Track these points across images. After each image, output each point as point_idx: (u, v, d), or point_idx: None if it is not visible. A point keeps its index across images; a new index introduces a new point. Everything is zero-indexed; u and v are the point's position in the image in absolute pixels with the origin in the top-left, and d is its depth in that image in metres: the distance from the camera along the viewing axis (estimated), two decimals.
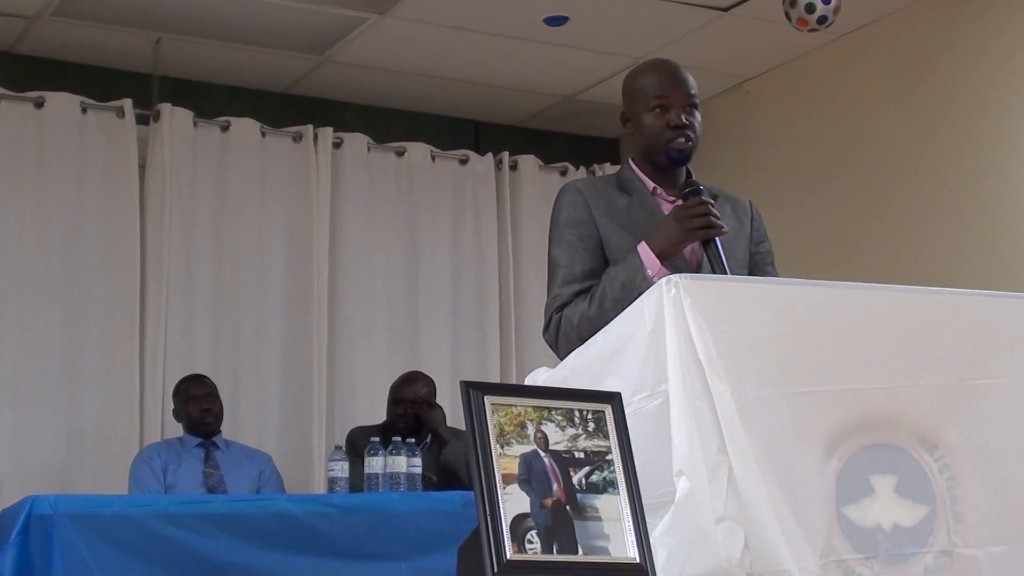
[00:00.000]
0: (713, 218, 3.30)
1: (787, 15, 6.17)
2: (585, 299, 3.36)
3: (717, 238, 3.31)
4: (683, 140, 3.46)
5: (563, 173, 8.38)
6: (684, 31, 7.13)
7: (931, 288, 3.05)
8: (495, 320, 8.03)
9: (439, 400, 6.87)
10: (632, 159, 3.61)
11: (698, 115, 3.50)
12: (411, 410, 6.68)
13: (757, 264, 3.60)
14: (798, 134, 7.55)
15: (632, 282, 3.23)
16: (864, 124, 7.13)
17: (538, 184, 8.31)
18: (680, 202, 3.46)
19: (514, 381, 7.36)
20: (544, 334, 3.48)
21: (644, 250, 3.32)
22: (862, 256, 6.95)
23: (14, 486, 6.48)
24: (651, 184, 3.53)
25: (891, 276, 5.92)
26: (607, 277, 3.35)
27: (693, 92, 3.50)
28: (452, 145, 8.25)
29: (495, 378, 7.73)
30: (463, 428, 6.64)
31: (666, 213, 3.47)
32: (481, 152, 8.28)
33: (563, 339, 3.38)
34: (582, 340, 3.14)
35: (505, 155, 8.31)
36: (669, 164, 3.51)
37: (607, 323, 3.08)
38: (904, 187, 6.87)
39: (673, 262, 3.29)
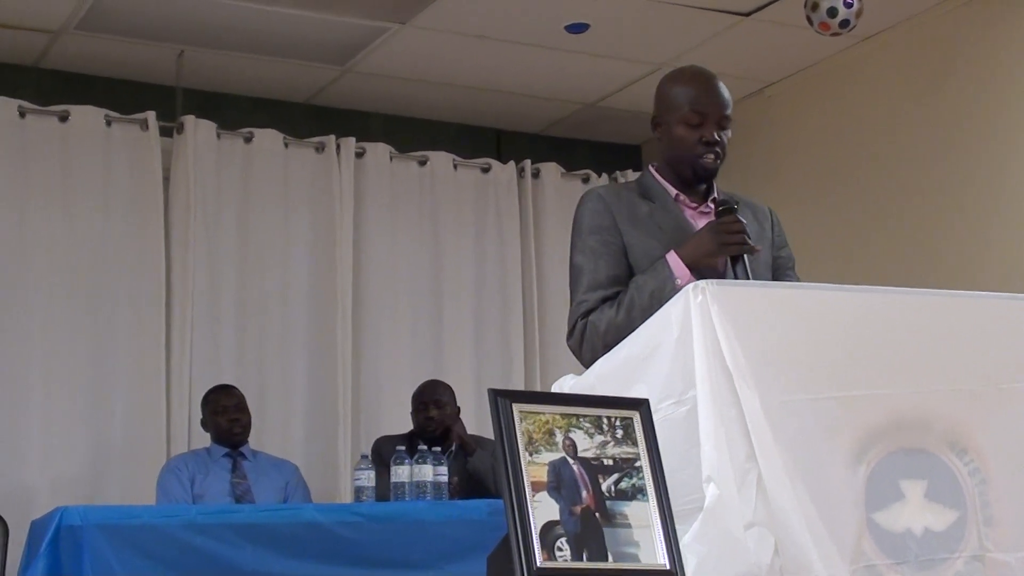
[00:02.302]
0: (747, 236, 3.32)
1: (809, 19, 6.16)
2: (612, 306, 3.36)
3: (746, 257, 3.32)
4: (712, 157, 3.47)
5: (585, 180, 8.38)
6: (706, 36, 7.12)
7: (960, 292, 3.05)
8: (519, 328, 8.03)
9: (463, 408, 6.87)
10: (654, 166, 3.61)
11: (729, 132, 3.51)
12: (435, 425, 6.66)
13: (779, 268, 3.61)
14: (820, 138, 7.53)
15: (661, 291, 3.22)
16: (886, 127, 7.12)
17: (560, 192, 8.31)
18: (706, 208, 3.50)
19: (538, 389, 7.35)
20: (568, 340, 3.47)
21: (673, 259, 3.33)
22: (885, 259, 6.93)
23: (43, 497, 6.51)
24: (674, 191, 3.54)
25: (915, 279, 5.91)
26: (635, 285, 3.35)
27: (728, 110, 3.50)
28: (474, 154, 8.25)
29: (519, 386, 7.72)
30: (485, 436, 6.68)
31: (689, 219, 3.50)
32: (503, 160, 8.28)
33: (588, 345, 3.37)
34: (607, 347, 3.15)
35: (527, 163, 8.31)
36: (694, 178, 3.52)
37: (634, 331, 3.08)
38: (927, 190, 6.85)
39: (701, 273, 3.27)
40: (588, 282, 3.43)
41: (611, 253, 3.44)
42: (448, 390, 6.86)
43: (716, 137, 3.46)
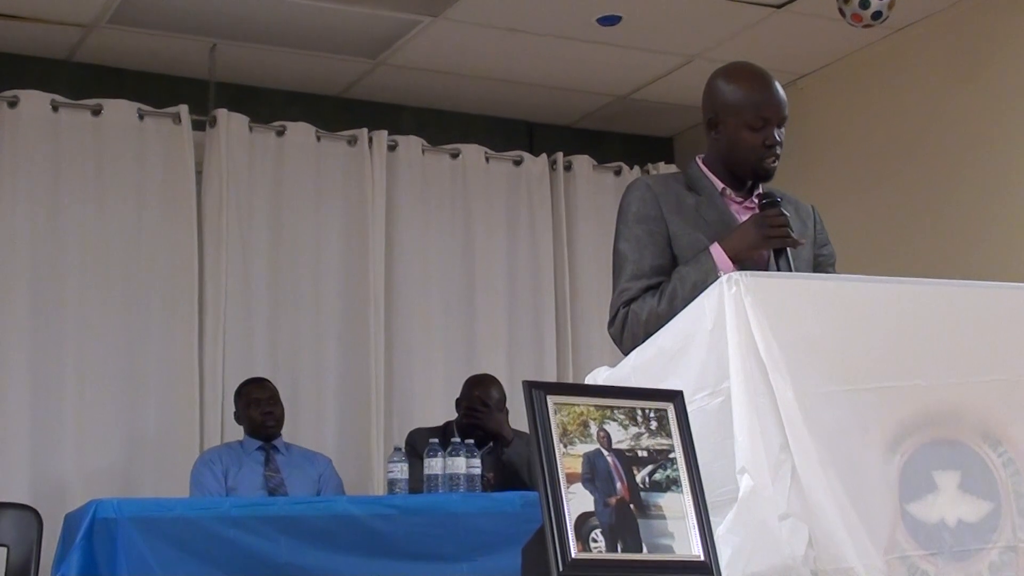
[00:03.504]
0: (790, 229, 3.35)
1: (841, 11, 6.14)
2: (654, 295, 3.39)
3: (789, 250, 3.35)
4: (772, 159, 3.50)
5: (617, 173, 8.38)
6: (738, 29, 7.11)
7: (992, 283, 3.04)
8: (551, 320, 8.03)
9: None
10: (701, 159, 3.63)
11: (784, 129, 3.53)
12: (470, 418, 6.62)
13: (819, 266, 3.65)
14: (854, 130, 7.51)
15: (704, 283, 3.18)
16: (921, 119, 7.09)
17: (592, 184, 8.31)
18: (751, 204, 3.52)
19: (571, 381, 7.35)
20: (609, 328, 3.50)
21: (717, 251, 3.36)
22: (922, 252, 6.91)
23: (78, 490, 6.55)
24: (720, 185, 3.56)
25: (950, 271, 5.89)
26: (678, 276, 3.38)
27: (787, 110, 3.53)
28: (506, 146, 8.26)
29: (551, 378, 7.72)
30: (517, 429, 6.64)
31: (735, 214, 3.52)
32: (535, 153, 8.28)
33: (628, 334, 3.41)
34: (648, 336, 3.15)
35: (559, 156, 8.31)
36: (754, 179, 3.55)
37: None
38: (962, 182, 6.82)
39: (744, 265, 3.30)
40: (632, 271, 3.47)
41: (656, 243, 3.47)
42: (498, 389, 6.81)
43: (777, 139, 3.49)
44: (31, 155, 7.03)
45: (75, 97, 7.21)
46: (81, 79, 7.35)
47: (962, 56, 6.92)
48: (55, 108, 7.12)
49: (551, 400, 2.51)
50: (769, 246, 3.36)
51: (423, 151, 7.96)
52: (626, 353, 3.28)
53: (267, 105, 7.73)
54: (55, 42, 7.14)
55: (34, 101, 7.08)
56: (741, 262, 3.33)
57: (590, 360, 7.49)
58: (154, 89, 7.45)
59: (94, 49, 7.23)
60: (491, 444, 6.50)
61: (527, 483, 6.12)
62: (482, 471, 5.87)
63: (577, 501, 2.44)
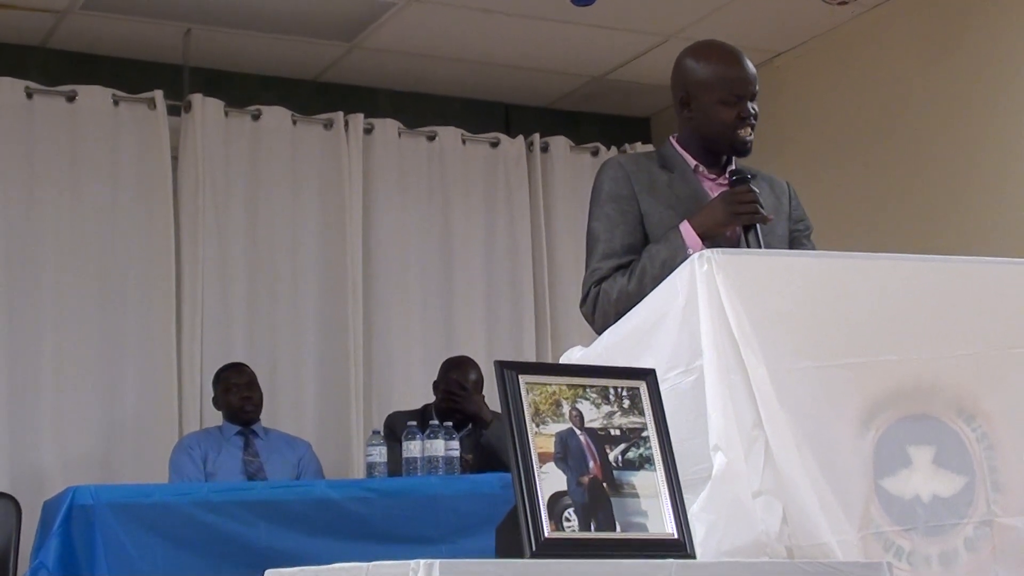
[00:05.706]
0: (759, 206, 3.34)
1: None
2: (624, 274, 3.39)
3: (759, 225, 3.34)
4: (748, 132, 3.50)
5: (594, 154, 8.37)
6: (714, 7, 7.09)
7: (965, 258, 3.04)
8: (530, 301, 8.02)
9: None
10: (675, 138, 3.63)
11: (756, 104, 3.53)
12: (449, 402, 6.62)
13: (796, 240, 3.65)
14: (830, 108, 7.51)
15: (673, 260, 3.21)
16: (896, 96, 7.09)
17: (569, 165, 8.30)
18: (723, 181, 3.51)
19: (549, 362, 7.35)
20: (581, 307, 3.51)
21: (687, 229, 3.36)
22: (896, 228, 6.91)
23: (56, 477, 6.53)
24: (693, 162, 3.56)
25: (925, 247, 5.89)
26: (647, 254, 3.38)
27: (758, 83, 3.53)
28: (483, 128, 8.24)
29: (531, 359, 7.72)
30: (497, 410, 6.61)
31: (707, 190, 3.52)
32: (512, 135, 8.26)
33: (600, 313, 3.41)
34: (619, 315, 3.16)
35: (536, 137, 8.29)
36: (732, 154, 3.55)
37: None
38: (937, 158, 6.83)
39: (714, 243, 3.29)
40: (603, 250, 3.47)
41: (627, 222, 3.48)
42: (475, 371, 6.80)
43: (752, 111, 3.49)
44: (5, 142, 6.99)
45: (49, 84, 7.17)
46: (55, 65, 7.31)
47: (936, 34, 6.92)
48: (29, 95, 7.08)
49: (523, 380, 2.51)
50: (738, 223, 3.36)
51: (399, 134, 7.94)
52: (598, 332, 3.29)
53: (242, 89, 7.69)
54: (28, 28, 7.09)
55: (8, 88, 7.04)
56: (711, 239, 3.32)
57: (569, 341, 7.45)
58: (129, 75, 7.41)
59: (68, 35, 7.19)
60: (470, 427, 6.50)
61: (506, 465, 6.10)
62: (461, 453, 5.87)
63: (550, 480, 2.43)
